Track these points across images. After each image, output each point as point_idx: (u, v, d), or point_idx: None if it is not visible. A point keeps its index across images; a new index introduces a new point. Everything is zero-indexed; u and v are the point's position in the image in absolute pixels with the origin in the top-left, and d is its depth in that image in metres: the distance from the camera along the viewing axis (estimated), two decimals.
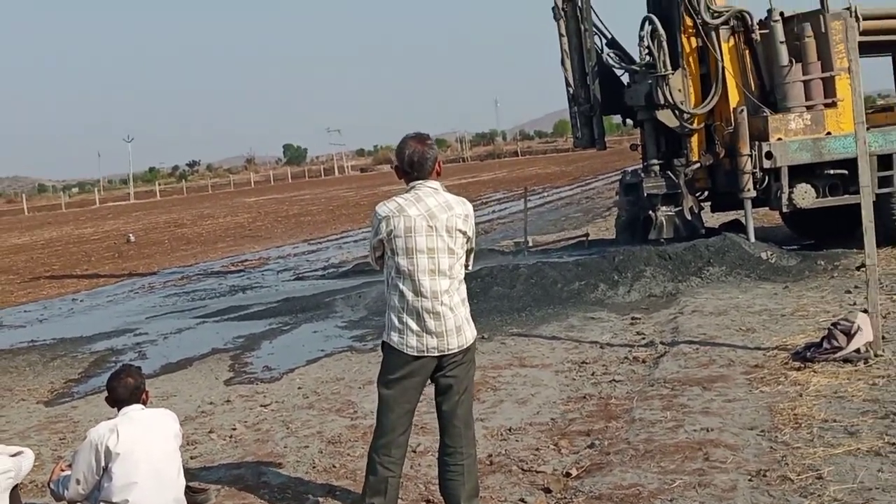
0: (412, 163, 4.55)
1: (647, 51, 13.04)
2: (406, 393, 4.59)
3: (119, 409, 4.93)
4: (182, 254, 24.34)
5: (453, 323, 4.53)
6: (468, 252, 4.69)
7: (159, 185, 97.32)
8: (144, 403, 5.00)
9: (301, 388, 8.39)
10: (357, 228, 27.21)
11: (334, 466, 6.09)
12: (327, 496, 5.57)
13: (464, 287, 4.66)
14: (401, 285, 4.52)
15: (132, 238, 30.45)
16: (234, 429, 7.20)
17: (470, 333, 4.63)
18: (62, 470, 5.05)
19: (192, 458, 6.49)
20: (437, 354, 4.53)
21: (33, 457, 5.16)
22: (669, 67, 12.77)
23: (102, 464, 4.70)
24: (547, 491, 5.30)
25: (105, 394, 5.08)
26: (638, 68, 13.38)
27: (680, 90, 12.83)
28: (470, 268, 4.75)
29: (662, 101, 12.86)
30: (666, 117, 12.99)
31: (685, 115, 12.89)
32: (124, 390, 4.93)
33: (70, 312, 15.30)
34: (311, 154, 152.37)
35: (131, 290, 17.38)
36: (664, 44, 12.73)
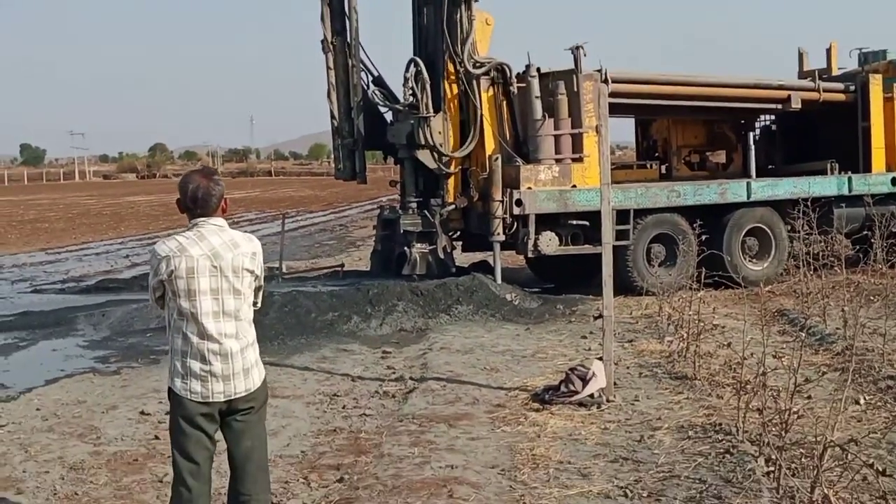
0: (196, 199, 4.31)
1: (410, 92, 13.42)
2: (198, 442, 4.32)
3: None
4: None
5: (241, 366, 4.34)
6: (257, 290, 4.50)
7: None
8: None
9: (40, 409, 8.02)
10: (98, 241, 26.19)
11: (76, 494, 5.91)
12: None
13: (253, 329, 4.47)
14: (184, 328, 4.28)
15: None
16: None
17: (258, 376, 4.43)
18: None
19: None
20: (223, 399, 4.33)
21: None
22: (431, 110, 13.20)
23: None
24: None
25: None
26: (401, 108, 13.76)
27: (440, 133, 13.28)
28: (258, 305, 4.56)
29: (423, 142, 13.27)
30: (425, 157, 13.41)
31: (443, 158, 13.35)
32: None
33: None
34: (51, 156, 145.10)
35: None
36: (427, 87, 13.17)
